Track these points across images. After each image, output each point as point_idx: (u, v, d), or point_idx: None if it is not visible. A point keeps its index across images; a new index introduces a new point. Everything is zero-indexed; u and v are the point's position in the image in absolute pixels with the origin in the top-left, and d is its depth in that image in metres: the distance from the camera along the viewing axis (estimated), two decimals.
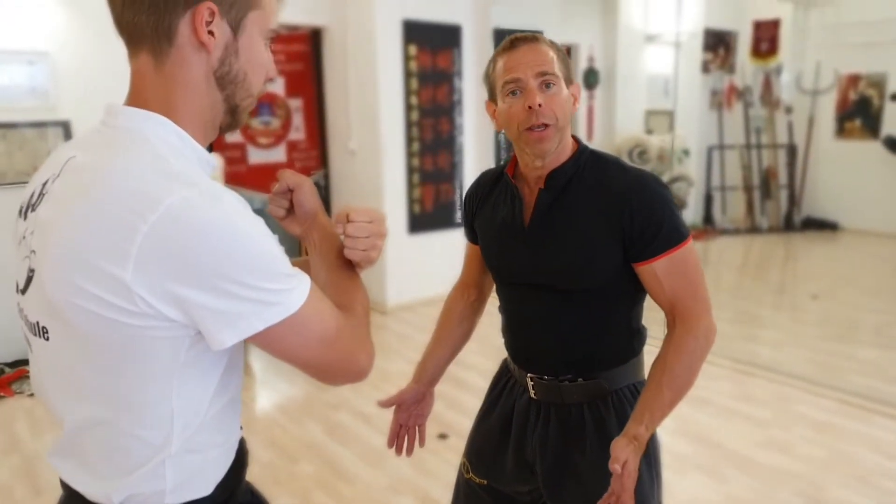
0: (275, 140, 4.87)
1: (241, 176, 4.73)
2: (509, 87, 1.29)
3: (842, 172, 7.44)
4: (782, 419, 3.21)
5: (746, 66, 7.52)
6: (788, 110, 7.61)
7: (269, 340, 0.81)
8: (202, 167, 0.87)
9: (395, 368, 3.82)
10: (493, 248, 1.47)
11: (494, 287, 1.55)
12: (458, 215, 5.14)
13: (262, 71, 0.91)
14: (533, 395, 1.44)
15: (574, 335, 1.37)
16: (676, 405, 1.26)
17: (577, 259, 1.31)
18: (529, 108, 1.26)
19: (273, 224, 0.97)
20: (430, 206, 4.94)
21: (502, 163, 1.49)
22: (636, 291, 1.36)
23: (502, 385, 1.55)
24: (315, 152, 5.10)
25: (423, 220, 4.91)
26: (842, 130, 7.43)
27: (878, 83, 7.06)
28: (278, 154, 4.90)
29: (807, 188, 7.69)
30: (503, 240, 1.42)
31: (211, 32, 0.83)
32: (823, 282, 5.73)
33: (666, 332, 1.32)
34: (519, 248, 1.38)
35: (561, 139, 1.31)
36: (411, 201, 4.86)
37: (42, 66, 3.77)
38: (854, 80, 7.23)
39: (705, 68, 7.36)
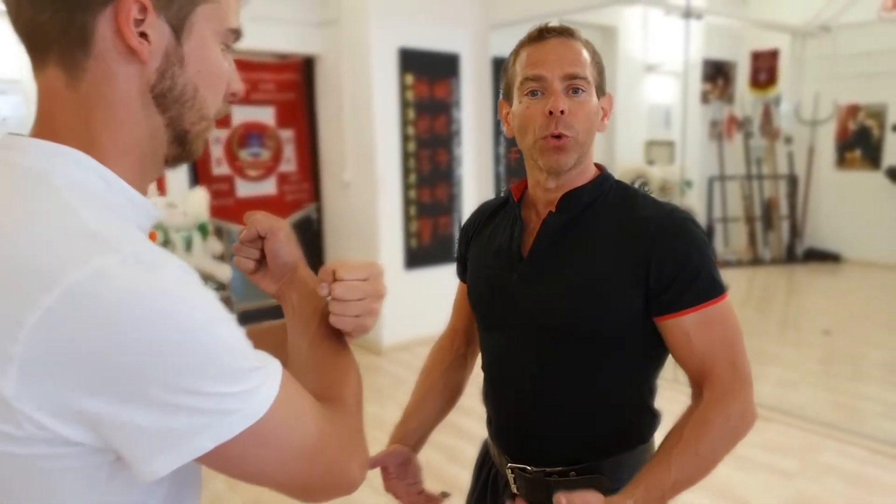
0: (265, 172, 4.66)
1: (228, 210, 4.51)
2: (530, 85, 1.07)
3: (843, 203, 7.32)
4: (810, 470, 2.99)
5: (746, 97, 7.44)
6: (788, 140, 7.51)
7: (224, 459, 0.58)
8: (138, 219, 0.65)
9: (389, 416, 3.56)
10: (480, 280, 1.22)
11: None
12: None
13: (218, 84, 0.69)
14: (515, 491, 1.16)
15: (569, 404, 1.10)
16: (681, 492, 1.00)
17: (582, 302, 1.06)
18: (550, 112, 1.04)
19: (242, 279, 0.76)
20: (428, 239, 4.74)
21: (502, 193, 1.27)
22: (654, 356, 1.11)
23: (485, 475, 1.27)
24: (307, 185, 4.90)
25: (421, 254, 4.70)
26: (842, 161, 7.32)
27: (878, 113, 6.98)
28: (268, 187, 4.70)
29: (808, 219, 7.56)
30: (494, 271, 1.17)
31: (143, 35, 0.61)
32: (833, 316, 5.54)
33: (690, 404, 1.07)
34: (511, 282, 1.13)
35: (581, 157, 1.09)
36: (408, 235, 4.66)
37: (14, 95, 3.57)
38: (853, 110, 7.15)
39: (704, 99, 7.26)
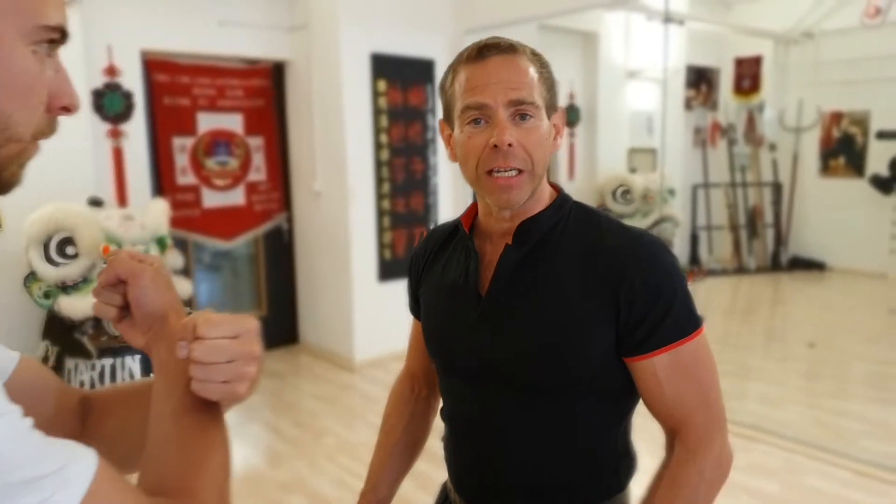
0: (233, 181, 4.50)
1: (193, 221, 4.34)
2: (471, 113, 0.94)
3: (827, 211, 7.25)
4: (793, 494, 2.86)
5: (729, 103, 7.37)
6: (772, 148, 7.44)
7: None
8: None
9: (359, 439, 3.42)
10: (435, 321, 1.10)
11: None
12: None
13: (27, 96, 0.54)
14: None
15: (538, 453, 0.99)
16: None
17: (550, 342, 0.95)
18: (495, 146, 0.91)
19: None
20: (402, 250, 4.58)
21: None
22: (629, 396, 1.00)
23: None
24: (277, 194, 4.73)
25: (395, 266, 4.54)
26: (826, 168, 7.26)
27: (861, 121, 6.92)
28: (237, 197, 4.53)
29: (793, 227, 7.48)
30: (450, 311, 1.05)
31: None
32: (818, 328, 5.44)
33: (665, 454, 0.97)
34: (470, 323, 1.01)
35: (535, 187, 0.97)
36: (381, 246, 4.50)
37: None
38: (837, 117, 7.09)
39: (688, 105, 7.17)
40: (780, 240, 7.43)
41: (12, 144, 0.55)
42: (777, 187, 7.44)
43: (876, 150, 6.76)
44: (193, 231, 4.36)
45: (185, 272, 4.26)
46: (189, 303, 4.08)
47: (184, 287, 3.52)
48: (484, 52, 0.94)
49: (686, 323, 0.94)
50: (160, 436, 0.64)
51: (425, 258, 1.16)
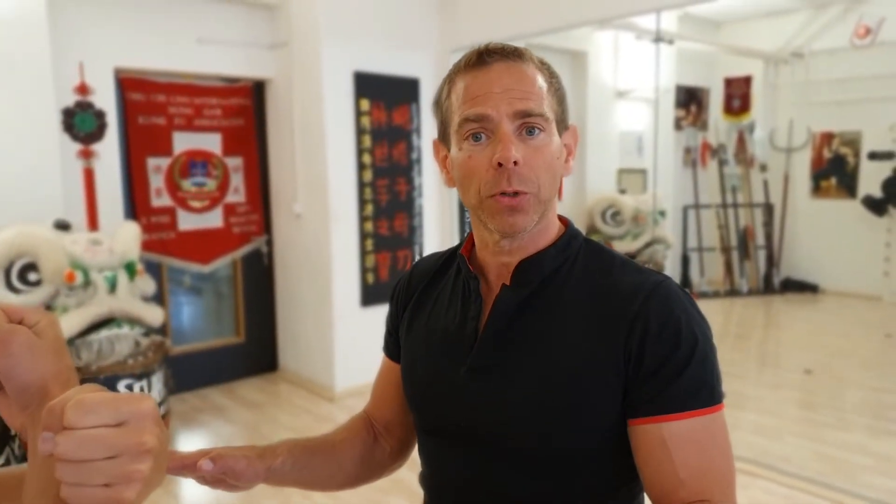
0: (210, 203, 4.33)
1: (168, 244, 4.16)
2: (470, 127, 0.80)
3: (820, 232, 7.17)
4: None
5: (720, 123, 7.30)
6: (763, 168, 7.37)
7: None
8: None
9: None
10: (419, 371, 0.93)
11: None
12: None
13: None
14: None
15: None
16: None
17: (547, 405, 0.80)
18: (500, 164, 0.77)
19: None
20: (386, 274, 4.42)
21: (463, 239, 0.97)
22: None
23: None
24: (256, 216, 4.57)
25: (378, 290, 4.38)
26: (818, 189, 7.20)
27: (853, 141, 6.87)
28: (214, 219, 4.36)
29: (785, 248, 7.40)
30: (438, 359, 0.90)
31: None
32: (813, 353, 5.30)
33: None
34: (458, 376, 0.86)
35: (543, 215, 0.83)
36: (364, 270, 4.34)
37: None
38: (827, 137, 7.04)
39: (678, 125, 7.10)
40: (772, 261, 7.33)
41: None
42: (768, 208, 7.36)
43: (868, 171, 6.71)
44: (168, 255, 4.18)
45: (159, 298, 4.08)
46: (162, 330, 3.89)
47: (154, 314, 3.34)
48: (485, 56, 0.82)
49: (706, 391, 0.78)
50: None
51: (410, 294, 1.00)
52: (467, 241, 0.94)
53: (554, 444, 0.81)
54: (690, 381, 0.77)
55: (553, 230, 0.88)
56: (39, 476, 0.51)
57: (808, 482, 3.09)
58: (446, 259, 0.99)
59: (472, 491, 0.87)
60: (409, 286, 1.01)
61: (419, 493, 0.99)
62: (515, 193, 0.79)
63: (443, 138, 0.89)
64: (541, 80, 0.82)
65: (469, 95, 0.81)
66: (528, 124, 0.80)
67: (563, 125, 0.85)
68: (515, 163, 0.78)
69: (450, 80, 0.86)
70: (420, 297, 0.98)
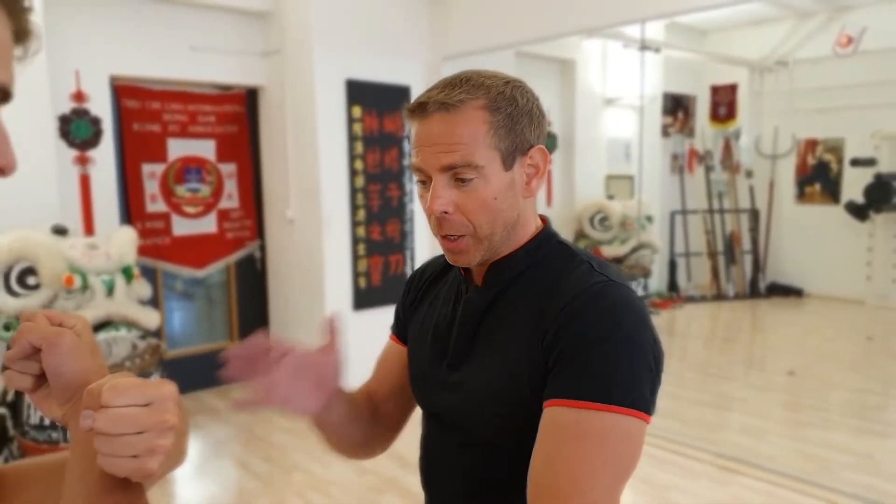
0: (204, 209, 4.39)
1: (163, 249, 4.22)
2: (417, 174, 0.89)
3: (804, 237, 7.30)
4: None
5: (706, 130, 7.43)
6: (749, 174, 7.50)
7: None
8: None
9: (332, 475, 3.30)
10: (417, 357, 1.03)
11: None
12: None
13: None
14: None
15: None
16: None
17: (492, 393, 0.88)
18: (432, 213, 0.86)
19: None
20: (378, 279, 4.49)
21: None
22: None
23: None
24: (250, 222, 4.63)
25: (370, 294, 4.45)
26: (802, 195, 7.33)
27: (836, 148, 7.00)
28: (208, 224, 4.42)
29: (770, 253, 7.52)
30: (432, 350, 0.99)
31: None
32: (797, 355, 5.41)
33: None
34: (440, 368, 0.96)
35: (490, 246, 0.89)
36: (356, 274, 4.41)
37: None
38: (811, 144, 7.17)
39: (665, 132, 7.21)
40: (757, 266, 7.45)
41: None
42: (754, 214, 7.48)
43: (851, 177, 6.84)
44: (163, 259, 4.23)
45: (154, 302, 4.13)
46: (157, 333, 3.94)
47: (151, 318, 3.40)
48: (425, 107, 0.86)
49: (605, 388, 0.76)
50: None
51: (419, 288, 1.08)
52: None
53: (500, 431, 0.88)
54: (583, 371, 0.77)
55: (525, 235, 0.92)
56: (84, 454, 0.59)
57: (788, 478, 3.17)
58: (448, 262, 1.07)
59: (449, 470, 0.97)
60: (420, 279, 1.09)
61: (413, 492, 1.07)
62: (453, 236, 0.87)
63: None
64: (477, 126, 0.84)
65: (414, 144, 0.88)
66: (457, 174, 0.85)
67: (510, 161, 0.87)
68: (445, 212, 0.85)
69: (408, 118, 0.91)
70: (424, 293, 1.07)
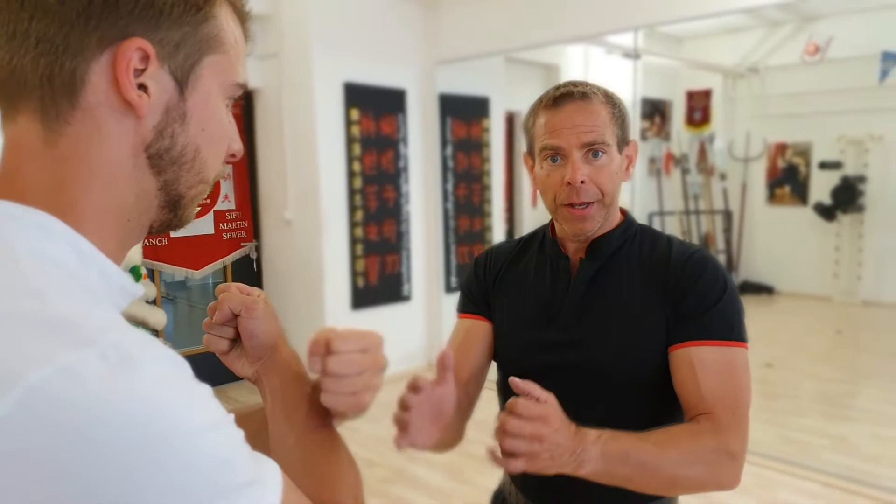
0: (201, 210, 4.44)
1: (160, 251, 4.27)
2: (548, 152, 1.07)
3: (775, 237, 7.58)
4: None
5: (682, 134, 7.67)
6: (723, 177, 7.76)
7: None
8: (111, 297, 0.53)
9: None
10: (518, 328, 1.16)
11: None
12: (406, 288, 4.81)
13: (221, 144, 0.60)
14: None
15: None
16: (633, 482, 0.92)
17: (616, 342, 1.07)
18: (569, 183, 1.04)
19: None
20: (375, 278, 4.60)
21: (520, 235, 1.26)
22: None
23: None
24: (247, 223, 4.70)
25: (368, 294, 4.56)
26: (773, 196, 7.61)
27: (804, 152, 7.30)
28: (205, 225, 4.48)
29: (743, 252, 7.79)
30: (534, 321, 1.14)
31: (143, 87, 0.52)
32: (772, 349, 5.65)
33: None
34: (548, 325, 1.12)
35: (607, 215, 1.10)
36: (354, 274, 4.51)
37: None
38: (781, 148, 7.46)
39: (642, 136, 7.43)
40: (731, 265, 7.71)
41: (202, 186, 0.60)
42: (728, 215, 7.75)
43: (818, 180, 7.14)
44: (161, 261, 4.28)
45: (155, 303, 4.18)
46: (157, 334, 3.99)
47: (158, 317, 3.46)
48: (559, 101, 1.07)
49: (731, 330, 1.02)
50: (285, 460, 0.66)
51: (496, 272, 1.22)
52: (550, 231, 1.19)
53: (623, 373, 1.06)
54: (716, 317, 1.02)
55: (616, 218, 1.15)
56: (284, 401, 0.70)
57: (774, 460, 3.37)
58: (521, 247, 1.24)
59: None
60: (492, 266, 1.24)
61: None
62: (583, 204, 1.06)
63: (530, 153, 1.16)
64: (605, 115, 1.07)
65: (547, 129, 1.08)
66: (593, 149, 1.06)
67: (623, 143, 1.11)
68: (582, 182, 1.04)
69: (534, 112, 1.12)
70: (506, 272, 1.22)
